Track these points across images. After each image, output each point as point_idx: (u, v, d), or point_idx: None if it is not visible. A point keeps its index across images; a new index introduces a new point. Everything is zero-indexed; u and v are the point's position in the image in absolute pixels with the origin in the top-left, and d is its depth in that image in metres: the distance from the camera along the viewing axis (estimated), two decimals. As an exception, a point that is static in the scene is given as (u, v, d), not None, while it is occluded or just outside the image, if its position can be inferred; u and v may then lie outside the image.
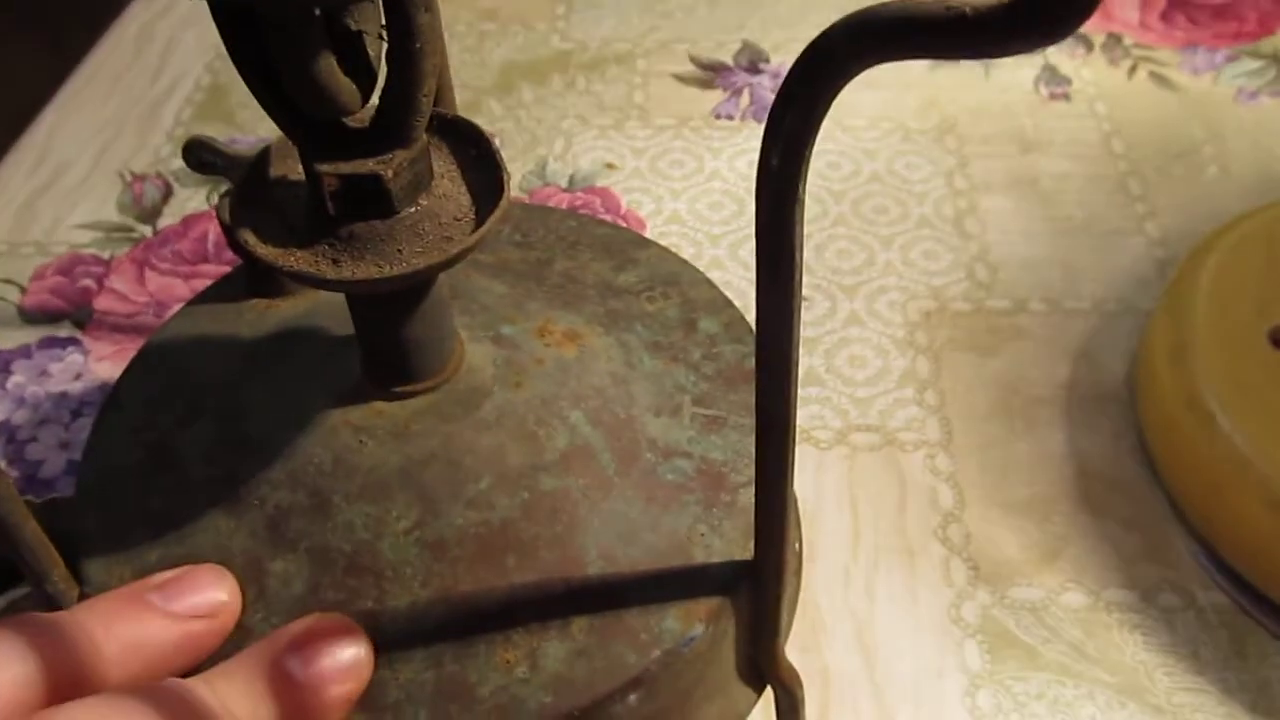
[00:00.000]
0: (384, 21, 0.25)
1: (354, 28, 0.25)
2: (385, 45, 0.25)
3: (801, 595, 0.41)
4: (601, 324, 0.35)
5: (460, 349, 0.32)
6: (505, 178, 0.28)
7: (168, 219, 0.56)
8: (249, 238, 0.27)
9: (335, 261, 0.27)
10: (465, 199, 0.29)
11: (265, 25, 0.24)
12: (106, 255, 0.54)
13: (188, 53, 0.65)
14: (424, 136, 0.27)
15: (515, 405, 0.32)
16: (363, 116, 0.27)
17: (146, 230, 0.55)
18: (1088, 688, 0.38)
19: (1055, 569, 0.41)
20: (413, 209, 0.28)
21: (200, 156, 0.36)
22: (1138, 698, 0.38)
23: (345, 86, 0.25)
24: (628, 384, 0.34)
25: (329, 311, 0.35)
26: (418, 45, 0.25)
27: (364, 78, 0.26)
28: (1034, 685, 0.38)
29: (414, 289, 0.29)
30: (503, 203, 0.28)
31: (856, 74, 0.19)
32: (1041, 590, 0.41)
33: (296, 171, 0.29)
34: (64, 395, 0.49)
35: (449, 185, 0.29)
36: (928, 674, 0.39)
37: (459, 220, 0.28)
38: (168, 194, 0.57)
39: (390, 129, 0.27)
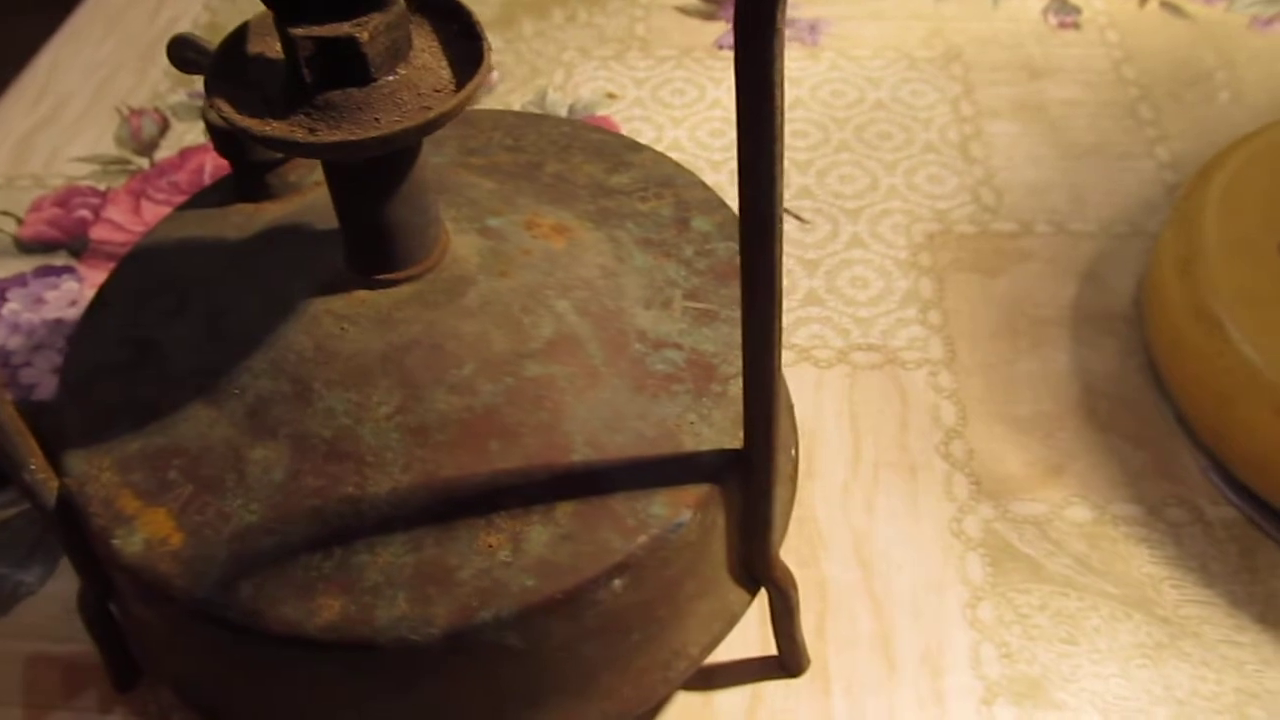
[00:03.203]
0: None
1: (324, -123, 0.24)
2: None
3: (800, 511, 0.40)
4: (592, 220, 0.35)
5: (445, 238, 0.32)
6: (486, 48, 0.28)
7: (164, 152, 0.55)
8: (224, 107, 0.27)
9: (311, 130, 0.26)
10: (446, 71, 0.28)
11: None
12: (103, 187, 0.54)
13: (187, -8, 0.64)
14: (401, 2, 0.27)
15: (500, 293, 0.31)
16: (338, -18, 0.27)
17: (143, 163, 0.55)
18: (1092, 600, 0.37)
19: (1060, 484, 0.40)
20: (391, 77, 0.27)
21: (184, 54, 0.35)
22: (1144, 609, 0.37)
23: (317, -60, 0.25)
24: (617, 277, 0.33)
25: (314, 211, 0.35)
26: (390, -106, 0.24)
27: (337, -64, 0.25)
28: (1036, 597, 0.38)
29: (394, 164, 0.29)
30: (483, 70, 0.27)
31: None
32: (1045, 505, 0.40)
33: (274, 49, 0.28)
34: (59, 322, 0.48)
35: (429, 58, 0.28)
36: (928, 587, 0.38)
37: (438, 91, 0.27)
38: (165, 128, 0.57)
39: (365, -9, 0.26)
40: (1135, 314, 0.45)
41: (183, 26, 0.62)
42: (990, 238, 0.48)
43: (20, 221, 0.52)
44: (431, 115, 0.26)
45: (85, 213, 0.53)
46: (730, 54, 0.57)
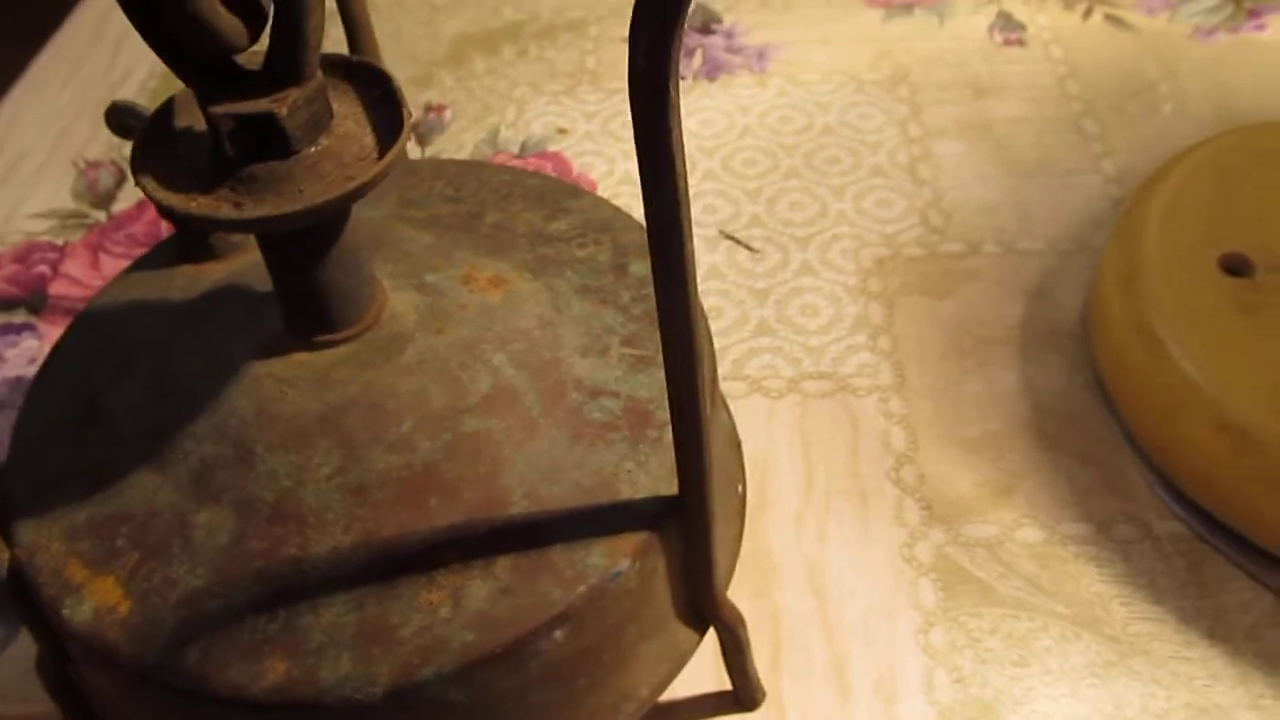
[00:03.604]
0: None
1: (234, -39, 0.24)
2: (270, -19, 0.25)
3: (754, 542, 0.40)
4: (530, 270, 0.35)
5: (382, 297, 0.32)
6: (407, 113, 0.28)
7: (122, 203, 0.56)
8: (149, 184, 0.27)
9: (236, 204, 0.27)
10: (369, 138, 0.28)
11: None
12: (61, 242, 0.54)
13: (142, 41, 0.65)
14: (319, 74, 0.27)
15: (437, 350, 0.32)
16: (256, 59, 0.27)
17: (100, 215, 0.55)
18: (1042, 621, 0.38)
19: (1010, 505, 0.41)
20: (312, 149, 0.27)
21: (123, 120, 0.36)
22: (1093, 628, 0.38)
23: (229, 23, 0.25)
24: (555, 327, 0.34)
25: (255, 271, 0.35)
26: (298, -25, 0.24)
27: (252, 16, 0.26)
28: (988, 620, 0.38)
29: (323, 231, 0.29)
30: (403, 137, 0.27)
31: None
32: (996, 527, 0.40)
33: (200, 122, 0.29)
34: (19, 380, 0.49)
35: (352, 126, 0.28)
36: (880, 613, 0.38)
37: (361, 160, 0.28)
38: (121, 180, 0.57)
39: (282, 67, 0.26)
40: (1082, 331, 0.46)
41: (139, 75, 0.63)
42: (938, 259, 0.49)
43: (-20, 279, 0.53)
44: (353, 186, 0.27)
45: (44, 268, 0.53)
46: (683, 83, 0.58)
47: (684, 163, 0.23)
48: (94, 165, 0.58)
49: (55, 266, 0.53)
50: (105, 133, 0.59)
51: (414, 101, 0.58)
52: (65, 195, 0.56)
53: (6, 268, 0.53)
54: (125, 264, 0.52)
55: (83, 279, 0.52)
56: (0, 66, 0.65)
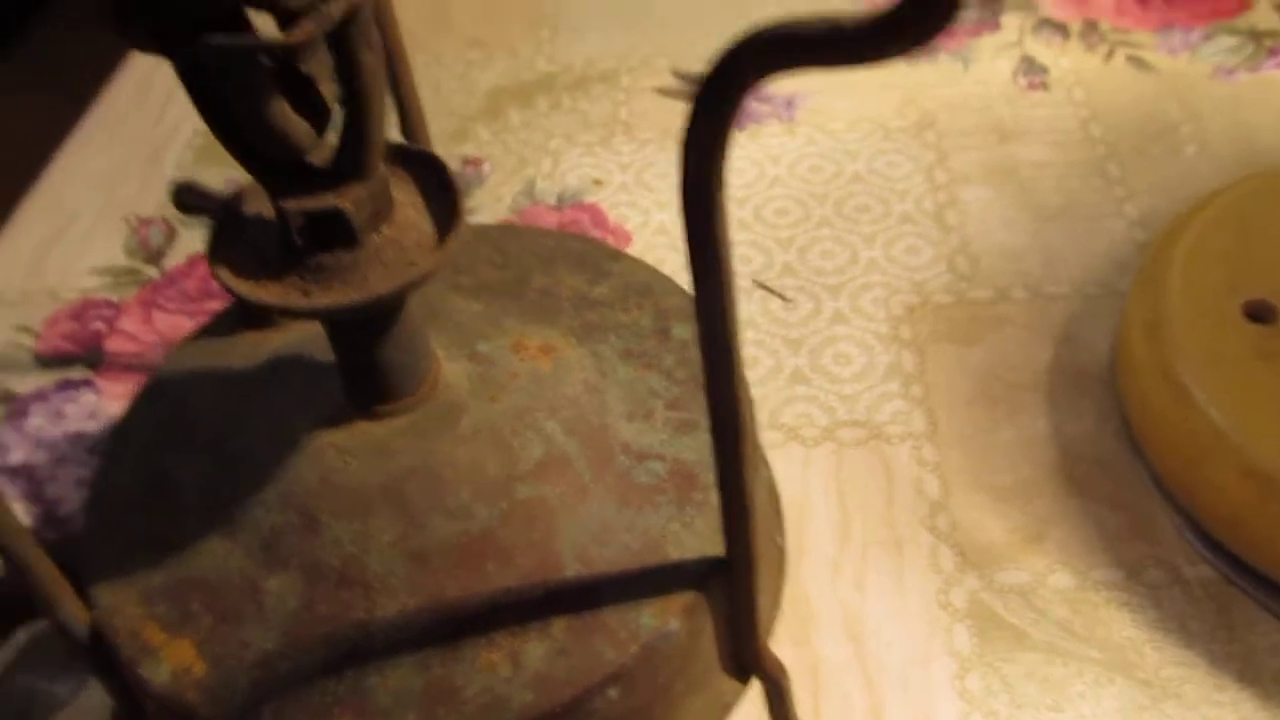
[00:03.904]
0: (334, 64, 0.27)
1: (304, 71, 0.26)
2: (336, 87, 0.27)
3: (792, 590, 0.42)
4: (576, 336, 0.37)
5: (437, 368, 0.34)
6: (461, 202, 0.30)
7: (173, 259, 0.58)
8: (224, 274, 0.29)
9: (305, 292, 0.29)
10: (427, 225, 0.30)
11: (219, 75, 0.26)
12: (116, 298, 0.56)
13: (187, 99, 0.67)
14: (382, 168, 0.29)
15: (492, 418, 0.33)
16: (324, 155, 0.29)
17: (153, 272, 0.57)
18: (1076, 666, 0.39)
19: (1041, 551, 0.42)
20: (376, 237, 0.29)
21: (187, 200, 0.38)
22: (1126, 673, 0.39)
23: (298, 127, 0.27)
24: (601, 392, 0.35)
25: (315, 341, 0.37)
26: (364, 83, 0.26)
27: (318, 117, 0.27)
28: (1023, 666, 0.39)
29: (384, 312, 0.31)
30: (459, 228, 0.29)
31: (756, 87, 0.21)
32: (1028, 573, 0.42)
33: (269, 209, 0.31)
34: (79, 435, 0.51)
35: (412, 213, 0.30)
36: (917, 660, 0.40)
37: (421, 246, 0.29)
38: (172, 236, 0.59)
39: (348, 164, 0.28)
40: (1109, 376, 0.47)
41: (184, 133, 0.65)
42: (966, 306, 0.50)
43: (38, 336, 0.55)
44: (416, 275, 0.28)
45: (100, 325, 0.55)
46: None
47: (730, 257, 0.24)
48: (145, 222, 0.60)
49: (111, 323, 0.55)
50: (155, 190, 0.62)
51: (451, 155, 0.60)
52: (118, 251, 0.58)
53: (63, 325, 0.55)
54: (178, 319, 0.54)
55: (138, 334, 0.54)
56: (46, 127, 0.67)
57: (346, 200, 0.28)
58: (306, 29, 0.25)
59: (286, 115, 0.26)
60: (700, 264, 0.24)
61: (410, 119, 0.39)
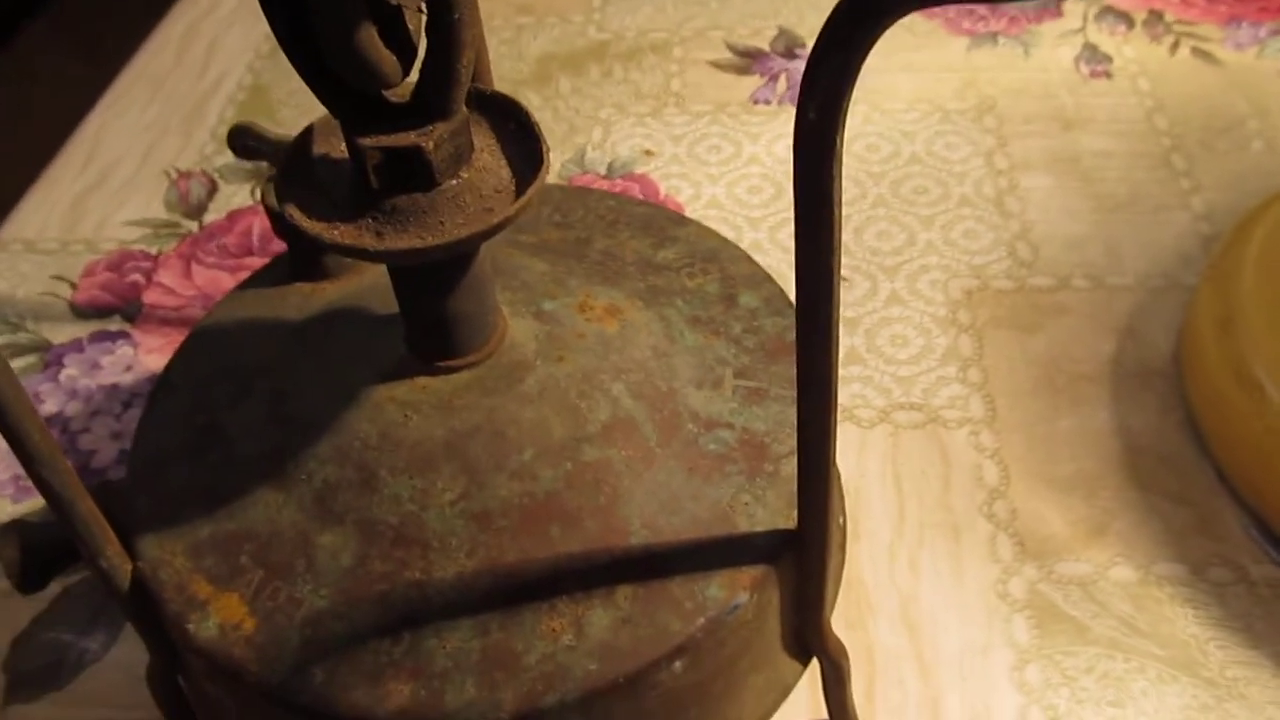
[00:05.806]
0: (422, -6, 0.25)
1: (394, 1, 0.25)
2: (424, 18, 0.26)
3: (846, 572, 0.41)
4: (642, 299, 0.36)
5: (503, 324, 0.33)
6: (545, 149, 0.29)
7: (213, 214, 0.57)
8: (295, 213, 0.28)
9: (379, 234, 0.27)
10: (505, 172, 0.29)
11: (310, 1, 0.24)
12: (154, 251, 0.55)
13: (230, 52, 0.66)
14: (464, 109, 0.27)
15: (558, 379, 0.32)
16: (403, 92, 0.28)
17: (193, 226, 0.56)
18: (1139, 662, 0.38)
19: (1103, 544, 0.41)
20: (454, 181, 0.28)
21: (244, 142, 0.36)
22: (1190, 671, 0.38)
23: (386, 58, 0.26)
24: (669, 357, 0.34)
25: (372, 293, 0.36)
26: (455, 16, 0.25)
27: (404, 51, 0.26)
28: (1083, 660, 0.38)
29: (456, 261, 0.30)
30: (542, 173, 0.28)
31: (892, 22, 0.19)
32: (1089, 565, 0.40)
33: (339, 150, 0.29)
34: (115, 387, 0.49)
35: (489, 159, 0.29)
36: (974, 650, 0.38)
37: (499, 192, 0.28)
38: (213, 190, 0.58)
39: (430, 101, 0.27)
40: (1174, 370, 0.46)
41: (227, 88, 0.63)
42: (1027, 293, 0.49)
43: (75, 286, 0.54)
44: (494, 221, 0.27)
45: (138, 277, 0.54)
46: (764, 110, 0.58)
47: (840, 213, 0.23)
48: (185, 175, 0.59)
49: (149, 275, 0.54)
50: (196, 143, 0.60)
51: (500, 120, 0.59)
52: (158, 205, 0.57)
53: (100, 275, 0.54)
54: (218, 274, 0.53)
55: (176, 288, 0.53)
56: (82, 82, 0.66)
57: (427, 139, 0.27)
58: (403, -48, 0.23)
59: (375, 45, 0.25)
60: (808, 223, 0.23)
61: (476, 68, 0.38)
